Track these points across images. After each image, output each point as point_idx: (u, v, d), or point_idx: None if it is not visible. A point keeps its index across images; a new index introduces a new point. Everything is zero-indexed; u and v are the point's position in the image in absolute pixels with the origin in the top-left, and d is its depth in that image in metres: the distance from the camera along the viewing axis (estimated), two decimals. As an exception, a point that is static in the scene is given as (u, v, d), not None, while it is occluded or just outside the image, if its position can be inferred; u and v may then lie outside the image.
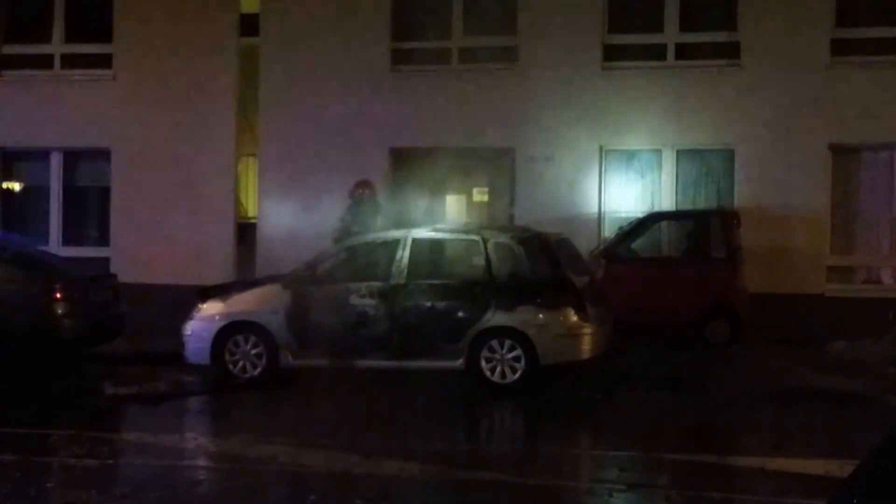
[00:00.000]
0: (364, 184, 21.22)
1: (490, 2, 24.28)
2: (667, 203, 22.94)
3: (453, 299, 16.75)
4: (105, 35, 25.29)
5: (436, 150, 24.08)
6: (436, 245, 18.05)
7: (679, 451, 12.49)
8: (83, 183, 26.01)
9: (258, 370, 17.15)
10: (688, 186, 23.20)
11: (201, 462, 12.73)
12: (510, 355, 16.45)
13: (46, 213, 25.51)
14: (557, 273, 16.83)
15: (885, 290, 22.14)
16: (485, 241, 17.03)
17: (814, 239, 22.34)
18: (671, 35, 23.28)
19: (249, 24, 25.07)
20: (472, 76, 23.83)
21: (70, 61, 25.58)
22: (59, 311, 17.43)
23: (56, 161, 25.49)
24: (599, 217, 23.13)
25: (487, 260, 16.93)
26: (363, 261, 18.06)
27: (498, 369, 16.48)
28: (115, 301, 18.90)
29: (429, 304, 16.79)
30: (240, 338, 17.21)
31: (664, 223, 22.09)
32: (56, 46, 25.63)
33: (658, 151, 23.22)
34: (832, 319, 19.99)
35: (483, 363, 16.50)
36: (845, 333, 18.55)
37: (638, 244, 21.34)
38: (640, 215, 21.91)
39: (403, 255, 17.03)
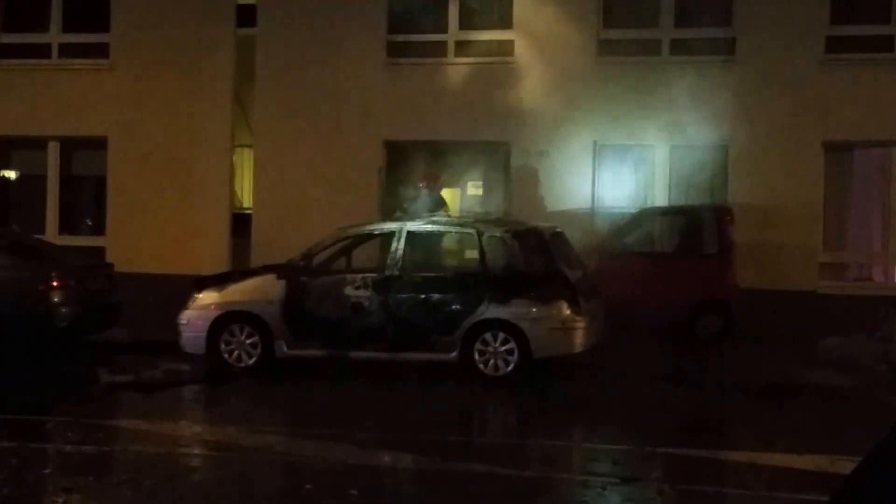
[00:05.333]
0: (427, 176, 21.38)
1: (485, -5, 24.43)
2: (660, 198, 23.01)
3: (447, 292, 16.83)
4: (103, 24, 25.31)
5: (431, 144, 24.18)
6: (431, 237, 18.14)
7: (671, 445, 12.57)
8: (80, 172, 26.05)
9: (253, 360, 17.23)
10: (681, 182, 23.25)
11: (197, 450, 12.80)
12: (503, 348, 16.55)
13: (43, 201, 25.55)
14: (551, 267, 16.92)
15: (876, 288, 22.26)
16: (479, 234, 17.10)
17: (806, 235, 22.41)
18: (666, 30, 23.36)
19: (246, 15, 25.10)
20: (467, 70, 23.89)
21: (68, 50, 25.60)
22: (56, 300, 17.49)
23: (53, 150, 25.53)
24: (593, 211, 23.18)
25: (482, 253, 17.01)
26: (358, 252, 18.20)
27: (491, 362, 16.58)
28: (111, 290, 18.93)
29: (423, 296, 16.87)
30: (235, 327, 17.29)
31: (657, 218, 22.16)
32: (54, 36, 25.65)
33: (652, 147, 23.27)
34: (824, 316, 20.07)
35: (476, 356, 16.60)
36: (837, 330, 18.63)
37: (631, 239, 21.40)
38: (634, 210, 21.98)
39: (398, 246, 17.11)
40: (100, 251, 24.18)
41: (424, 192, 21.06)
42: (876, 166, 22.86)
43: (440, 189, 21.52)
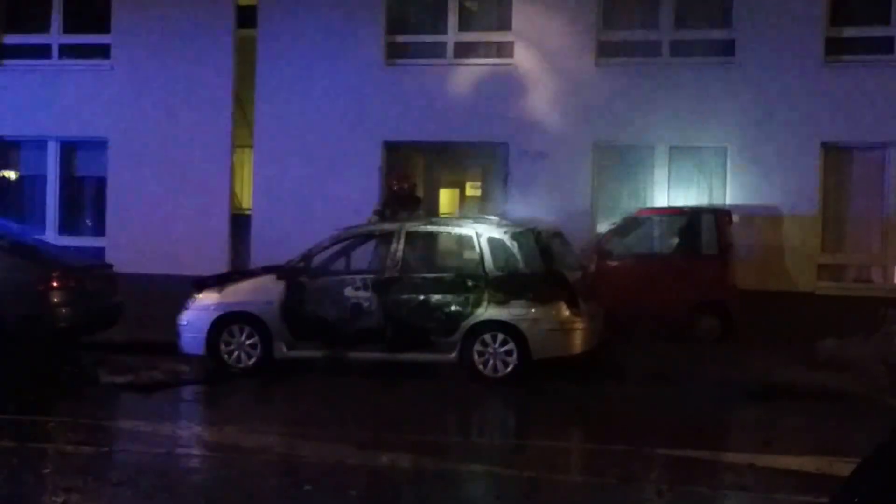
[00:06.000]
0: (401, 177, 21.38)
1: (485, -3, 24.46)
2: (659, 199, 23.01)
3: (447, 293, 16.86)
4: (103, 26, 25.37)
5: (430, 145, 24.21)
6: (430, 238, 18.18)
7: (670, 446, 12.59)
8: (80, 173, 26.09)
9: (252, 361, 17.26)
10: (680, 183, 23.26)
11: (196, 451, 12.81)
12: (502, 349, 16.59)
13: (43, 202, 25.59)
14: (550, 268, 16.94)
15: (875, 289, 22.26)
16: (478, 236, 17.12)
17: (805, 237, 22.43)
18: (666, 32, 23.36)
19: (246, 16, 25.14)
20: (466, 71, 23.90)
21: (68, 51, 25.66)
22: (56, 300, 17.50)
23: (53, 150, 25.56)
24: (592, 213, 23.20)
25: (481, 254, 17.03)
26: (358, 253, 18.22)
27: (490, 363, 16.61)
28: (111, 290, 18.97)
29: (422, 297, 16.90)
30: (234, 328, 17.32)
31: (656, 219, 22.15)
32: (55, 36, 25.69)
33: (651, 148, 23.28)
34: (822, 317, 20.08)
35: (475, 356, 16.64)
36: (835, 331, 18.64)
37: (630, 240, 21.42)
38: (633, 211, 21.98)
39: (398, 247, 17.13)
40: (99, 252, 24.20)
41: (398, 192, 21.04)
42: (875, 167, 22.86)
43: (413, 188, 21.52)
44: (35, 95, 25.29)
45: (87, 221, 26.08)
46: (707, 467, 11.85)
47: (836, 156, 22.86)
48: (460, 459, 11.96)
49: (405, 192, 20.93)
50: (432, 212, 23.01)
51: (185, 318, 17.54)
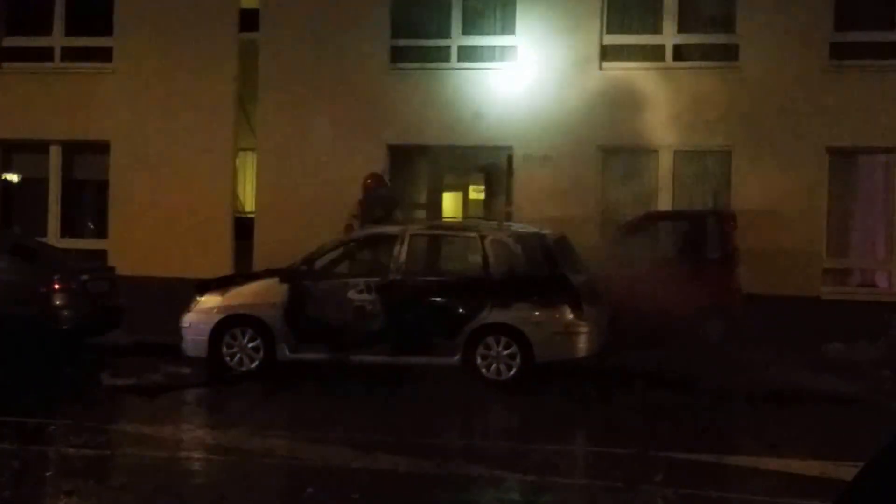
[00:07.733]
0: (373, 177, 21.35)
1: (488, 1, 24.35)
2: (664, 203, 22.96)
3: (450, 296, 16.83)
4: (106, 28, 25.28)
5: (434, 148, 24.16)
6: (433, 241, 18.15)
7: (674, 449, 12.56)
8: (82, 175, 26.06)
9: (255, 363, 17.22)
10: (685, 187, 23.22)
11: (198, 454, 12.81)
12: (506, 352, 16.55)
13: (45, 204, 25.54)
14: (554, 271, 16.91)
15: (880, 294, 22.21)
16: (482, 239, 17.10)
17: (810, 241, 22.36)
18: (669, 36, 23.33)
19: (249, 19, 25.09)
20: (470, 74, 23.87)
21: (70, 54, 25.59)
22: (58, 302, 17.52)
23: (55, 153, 25.50)
24: (596, 216, 23.15)
25: (485, 257, 17.01)
26: (361, 256, 18.19)
27: (494, 366, 16.57)
28: (113, 293, 18.96)
29: (426, 300, 16.87)
30: (237, 331, 17.28)
31: (661, 223, 22.10)
32: (57, 39, 25.62)
33: (655, 152, 23.23)
34: (827, 322, 20.01)
35: (479, 360, 16.60)
36: (840, 336, 18.60)
37: (634, 244, 21.35)
38: (637, 215, 21.92)
39: (401, 250, 17.10)
40: (102, 254, 24.18)
41: (373, 193, 21.01)
42: (880, 172, 22.83)
43: (388, 188, 21.49)
44: (37, 98, 25.22)
45: (90, 224, 26.06)
46: (712, 471, 11.84)
47: (841, 160, 22.80)
48: (463, 462, 11.92)
49: (380, 193, 20.92)
50: (436, 215, 22.97)
51: (188, 320, 17.50)
